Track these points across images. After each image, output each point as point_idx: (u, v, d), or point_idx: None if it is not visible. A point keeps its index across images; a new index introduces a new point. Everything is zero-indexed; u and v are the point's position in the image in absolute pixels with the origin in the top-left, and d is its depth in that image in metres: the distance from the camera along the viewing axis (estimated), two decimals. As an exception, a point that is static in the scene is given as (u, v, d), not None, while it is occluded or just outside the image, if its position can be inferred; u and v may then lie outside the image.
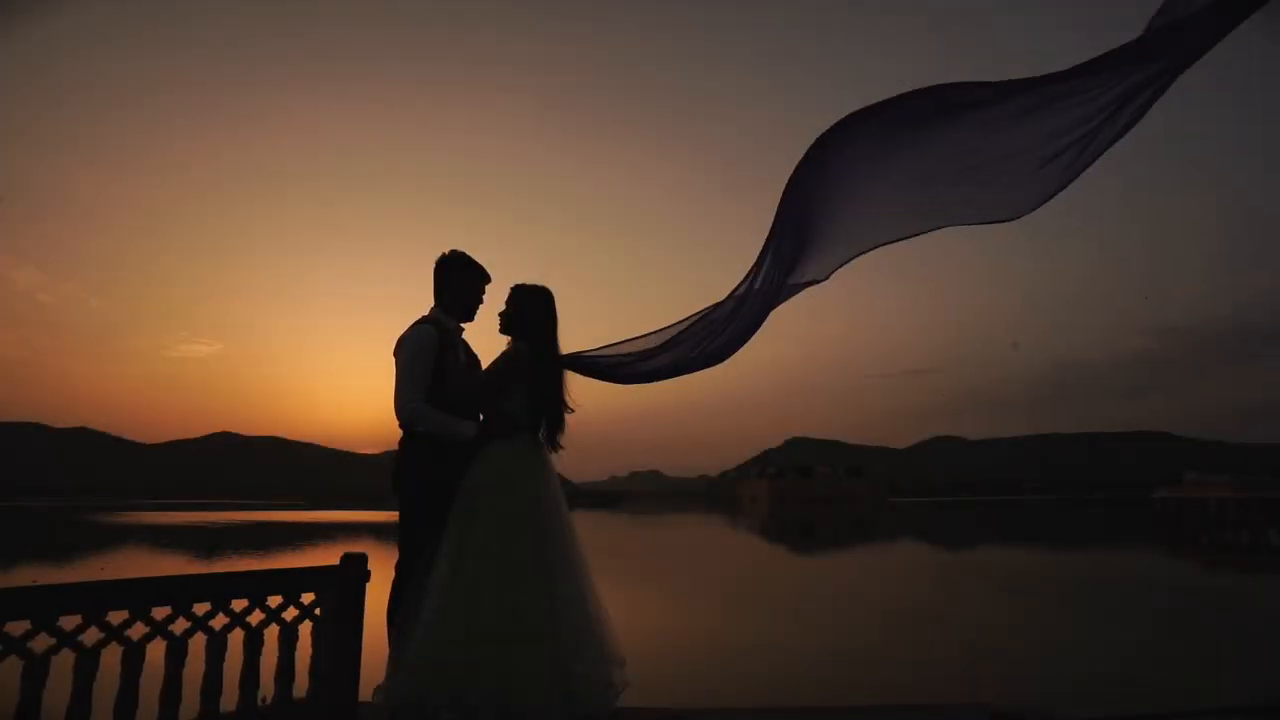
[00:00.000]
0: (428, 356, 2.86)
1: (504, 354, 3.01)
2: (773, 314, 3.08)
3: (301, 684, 2.67)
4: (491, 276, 3.12)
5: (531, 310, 3.00)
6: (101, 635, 2.17)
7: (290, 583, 2.69)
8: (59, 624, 2.09)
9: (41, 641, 2.06)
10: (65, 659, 2.11)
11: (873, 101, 2.77)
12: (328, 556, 3.05)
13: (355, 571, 2.79)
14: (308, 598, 2.72)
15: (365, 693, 2.76)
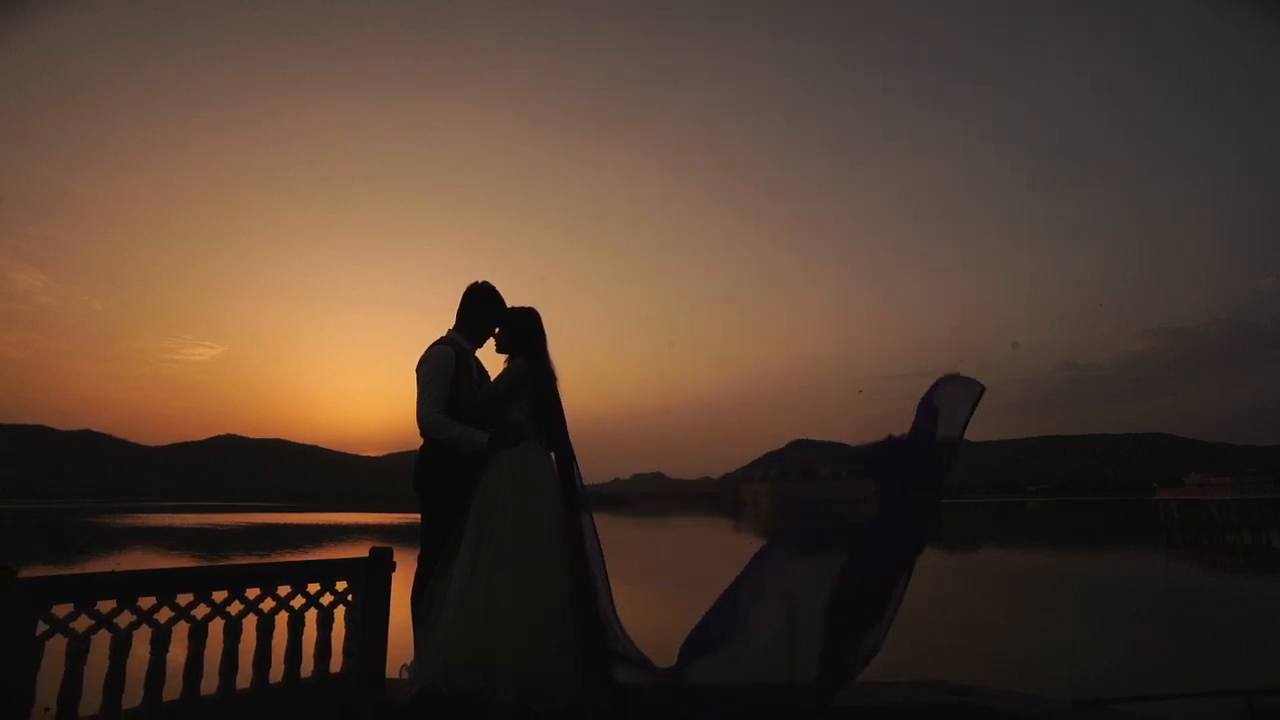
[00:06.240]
0: (446, 376, 3.24)
1: (505, 370, 3.38)
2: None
3: (336, 661, 3.04)
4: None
5: (524, 330, 3.39)
6: (172, 614, 2.55)
7: (326, 571, 3.07)
8: (138, 603, 2.46)
9: (125, 618, 2.43)
10: (144, 633, 2.48)
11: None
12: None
13: (383, 562, 3.17)
14: (341, 585, 3.09)
15: (391, 670, 3.12)
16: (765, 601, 2.83)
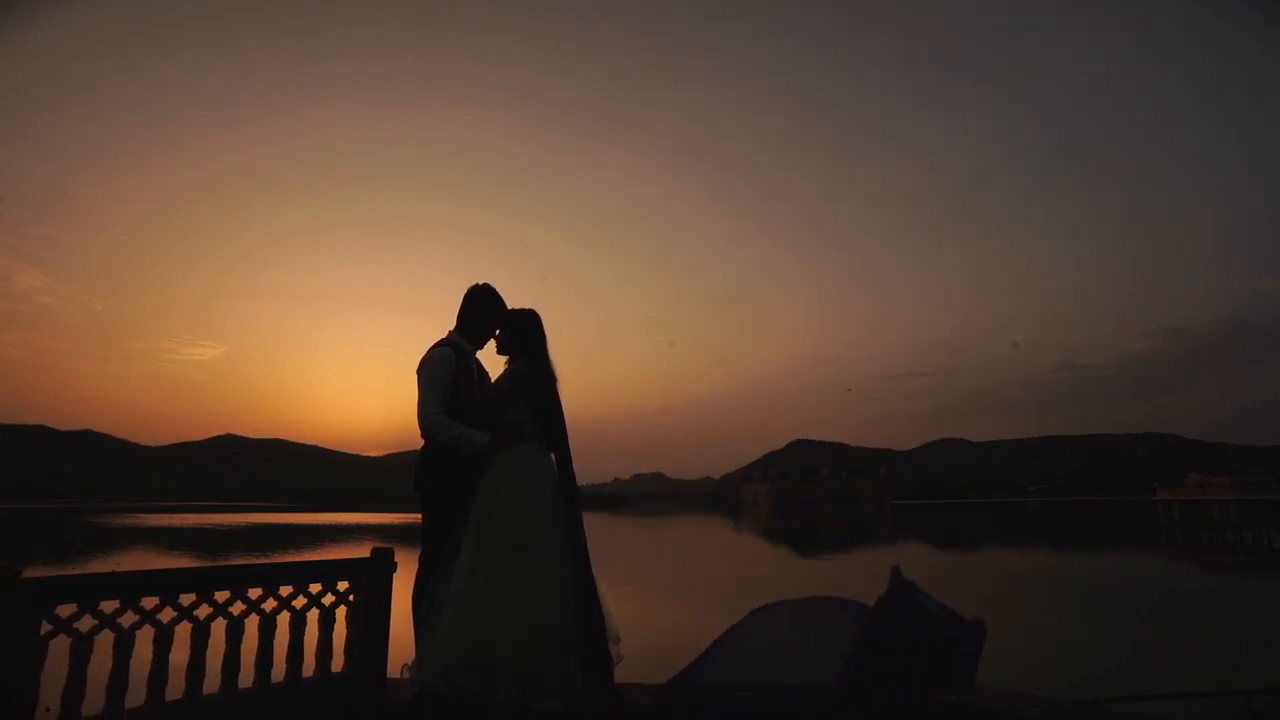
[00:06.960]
0: (446, 378, 3.26)
1: (506, 372, 3.40)
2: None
3: (338, 661, 3.05)
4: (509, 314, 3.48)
5: (525, 332, 3.40)
6: (174, 614, 2.56)
7: (328, 571, 3.08)
8: (141, 604, 2.47)
9: (128, 618, 2.44)
10: (146, 633, 2.49)
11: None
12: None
13: (384, 563, 3.18)
14: (342, 585, 3.10)
15: (392, 670, 3.13)
16: (776, 617, 2.98)
